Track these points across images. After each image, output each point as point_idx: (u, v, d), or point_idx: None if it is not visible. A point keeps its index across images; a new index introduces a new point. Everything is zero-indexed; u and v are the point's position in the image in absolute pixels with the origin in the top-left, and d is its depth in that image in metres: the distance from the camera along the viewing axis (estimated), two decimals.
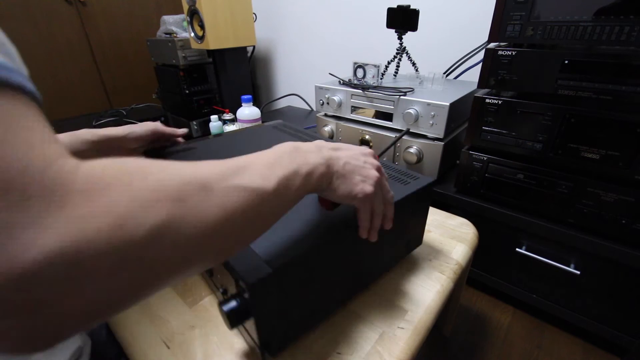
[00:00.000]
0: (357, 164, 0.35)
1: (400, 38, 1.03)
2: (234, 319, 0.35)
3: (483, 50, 0.78)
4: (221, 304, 0.35)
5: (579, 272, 0.75)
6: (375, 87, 0.96)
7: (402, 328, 0.44)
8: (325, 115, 1.11)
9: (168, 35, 1.66)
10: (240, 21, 1.40)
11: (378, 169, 0.36)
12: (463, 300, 0.99)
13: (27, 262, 0.14)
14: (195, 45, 1.44)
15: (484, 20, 1.08)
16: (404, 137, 0.91)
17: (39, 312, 0.15)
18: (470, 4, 1.13)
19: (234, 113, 1.15)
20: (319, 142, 0.35)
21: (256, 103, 1.39)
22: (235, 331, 0.43)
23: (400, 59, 1.07)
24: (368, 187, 0.34)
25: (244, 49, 1.55)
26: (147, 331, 0.44)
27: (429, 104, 0.84)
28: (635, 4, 0.54)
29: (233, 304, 0.35)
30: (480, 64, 0.75)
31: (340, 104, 1.04)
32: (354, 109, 1.02)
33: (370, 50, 1.47)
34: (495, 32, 0.69)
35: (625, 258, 0.68)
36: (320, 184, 0.31)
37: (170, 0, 2.05)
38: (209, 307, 0.47)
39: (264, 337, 0.36)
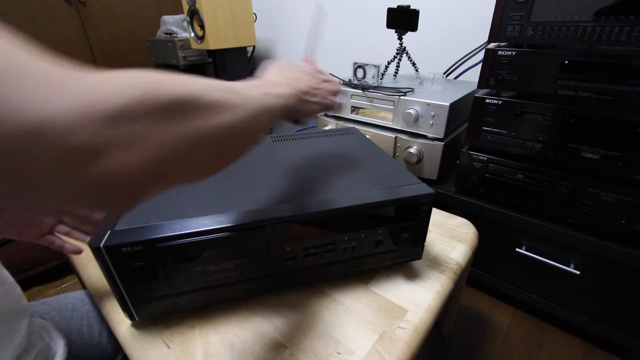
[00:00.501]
0: (314, 84, 0.41)
1: (400, 38, 1.03)
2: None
3: (483, 51, 0.78)
4: (402, 242, 0.47)
5: (579, 272, 0.75)
6: (375, 87, 0.96)
7: (402, 328, 0.44)
8: (326, 115, 1.11)
9: (168, 35, 1.66)
10: (240, 21, 1.40)
11: (326, 81, 0.44)
12: (463, 300, 0.99)
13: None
14: (195, 45, 1.44)
15: (483, 20, 1.08)
16: (404, 137, 0.91)
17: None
18: (470, 4, 1.13)
19: None
20: (278, 71, 0.38)
21: None
22: (235, 330, 0.43)
23: (400, 59, 1.07)
24: (328, 101, 0.43)
25: (244, 49, 1.56)
26: (147, 331, 0.44)
27: (429, 104, 0.84)
28: (635, 4, 0.54)
29: (405, 234, 0.47)
30: (480, 64, 0.75)
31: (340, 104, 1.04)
32: (354, 109, 1.02)
33: (370, 50, 1.47)
34: (495, 32, 0.69)
35: (625, 258, 0.68)
36: (293, 105, 0.36)
37: (170, 0, 2.05)
38: (210, 306, 0.47)
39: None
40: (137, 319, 0.42)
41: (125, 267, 0.38)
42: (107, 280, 0.38)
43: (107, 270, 0.37)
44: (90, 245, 0.36)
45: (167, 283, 0.40)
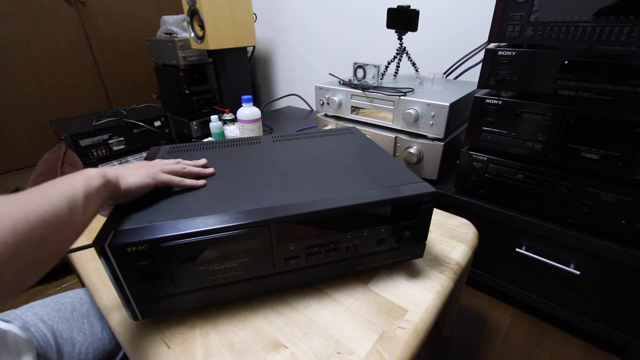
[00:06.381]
0: (130, 166, 0.44)
1: (400, 38, 1.03)
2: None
3: (483, 51, 0.78)
4: (405, 240, 0.47)
5: (579, 272, 0.75)
6: (375, 88, 0.96)
7: (402, 328, 0.44)
8: (326, 115, 1.11)
9: (168, 35, 1.66)
10: (240, 21, 1.40)
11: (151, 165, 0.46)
12: (463, 300, 0.99)
13: None
14: (195, 45, 1.44)
15: (483, 20, 1.08)
16: (404, 137, 0.91)
17: None
18: (470, 5, 1.13)
19: (234, 113, 1.15)
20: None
21: (256, 103, 1.39)
22: (235, 330, 0.43)
23: (400, 59, 1.07)
24: (148, 171, 0.44)
25: (244, 49, 1.56)
26: (147, 330, 0.44)
27: (429, 104, 0.84)
28: (635, 4, 0.54)
29: (407, 233, 0.47)
30: (480, 64, 0.75)
31: (340, 104, 1.04)
32: (354, 109, 1.02)
33: (370, 50, 1.47)
34: (495, 33, 0.69)
35: (625, 258, 0.68)
36: (104, 188, 0.37)
37: (170, 0, 2.05)
38: (211, 306, 0.47)
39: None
40: (140, 319, 0.42)
41: (130, 267, 0.37)
42: (111, 280, 0.38)
43: (112, 270, 0.37)
44: (94, 244, 0.36)
45: (171, 283, 0.40)
